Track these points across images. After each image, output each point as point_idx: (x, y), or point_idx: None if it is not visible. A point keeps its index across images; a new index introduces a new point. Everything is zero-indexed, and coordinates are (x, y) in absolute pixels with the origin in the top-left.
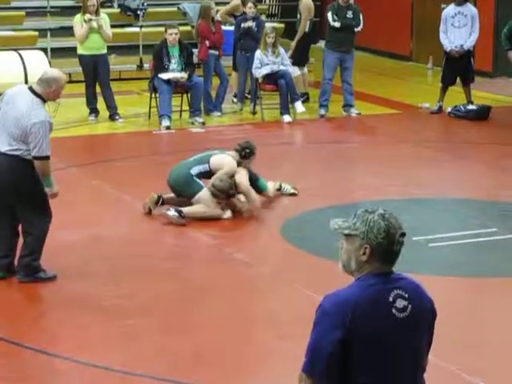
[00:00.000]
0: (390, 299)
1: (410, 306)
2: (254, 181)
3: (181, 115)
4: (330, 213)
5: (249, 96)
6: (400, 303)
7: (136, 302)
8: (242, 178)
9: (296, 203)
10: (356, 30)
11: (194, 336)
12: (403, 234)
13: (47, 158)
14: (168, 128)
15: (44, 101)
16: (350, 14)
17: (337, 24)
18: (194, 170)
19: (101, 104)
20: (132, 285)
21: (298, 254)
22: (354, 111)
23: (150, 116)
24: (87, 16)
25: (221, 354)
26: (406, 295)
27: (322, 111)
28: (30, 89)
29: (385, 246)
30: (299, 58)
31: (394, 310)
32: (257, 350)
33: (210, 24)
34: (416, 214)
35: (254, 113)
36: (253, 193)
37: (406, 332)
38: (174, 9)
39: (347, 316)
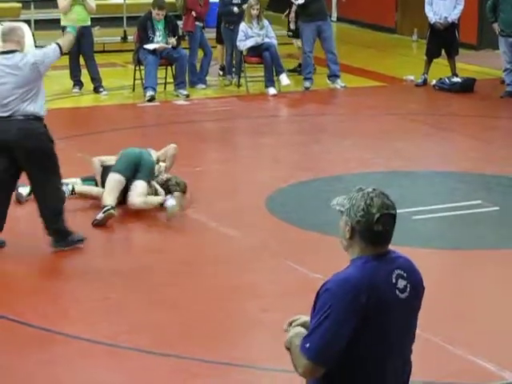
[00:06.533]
0: (393, 280)
1: (408, 285)
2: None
3: (165, 87)
4: (315, 185)
5: (233, 69)
6: (401, 283)
7: (121, 275)
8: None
9: (281, 176)
10: None
11: (179, 309)
12: (387, 215)
13: (61, 52)
14: (152, 98)
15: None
16: None
17: (300, 1)
18: None
19: (85, 76)
20: (117, 258)
21: (283, 227)
22: (339, 83)
23: (134, 88)
24: None
25: (206, 326)
26: (405, 274)
27: (307, 84)
28: (4, 53)
29: (363, 224)
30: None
31: (397, 292)
32: (241, 322)
33: None
34: (400, 186)
35: (239, 85)
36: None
37: (407, 311)
38: None
39: (361, 301)
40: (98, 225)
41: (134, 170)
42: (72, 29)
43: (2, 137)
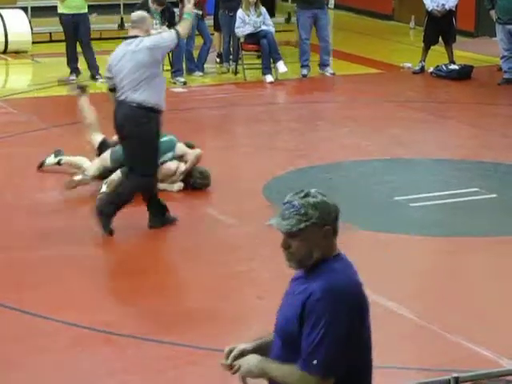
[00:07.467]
0: (356, 275)
1: (359, 278)
2: None
3: None
4: (312, 173)
5: (231, 56)
6: (359, 277)
7: (118, 262)
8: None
9: (278, 163)
10: None
11: (176, 296)
12: None
13: (179, 38)
14: None
15: None
16: None
17: None
18: None
19: (82, 64)
20: (115, 245)
21: None
22: (328, 70)
23: None
24: None
25: (202, 313)
26: (355, 269)
27: (304, 71)
28: (130, 37)
29: (337, 218)
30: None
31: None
32: (238, 309)
33: None
34: (397, 174)
35: (236, 73)
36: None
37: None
38: None
39: (355, 302)
40: (69, 187)
41: None
42: (188, 15)
43: (115, 119)
